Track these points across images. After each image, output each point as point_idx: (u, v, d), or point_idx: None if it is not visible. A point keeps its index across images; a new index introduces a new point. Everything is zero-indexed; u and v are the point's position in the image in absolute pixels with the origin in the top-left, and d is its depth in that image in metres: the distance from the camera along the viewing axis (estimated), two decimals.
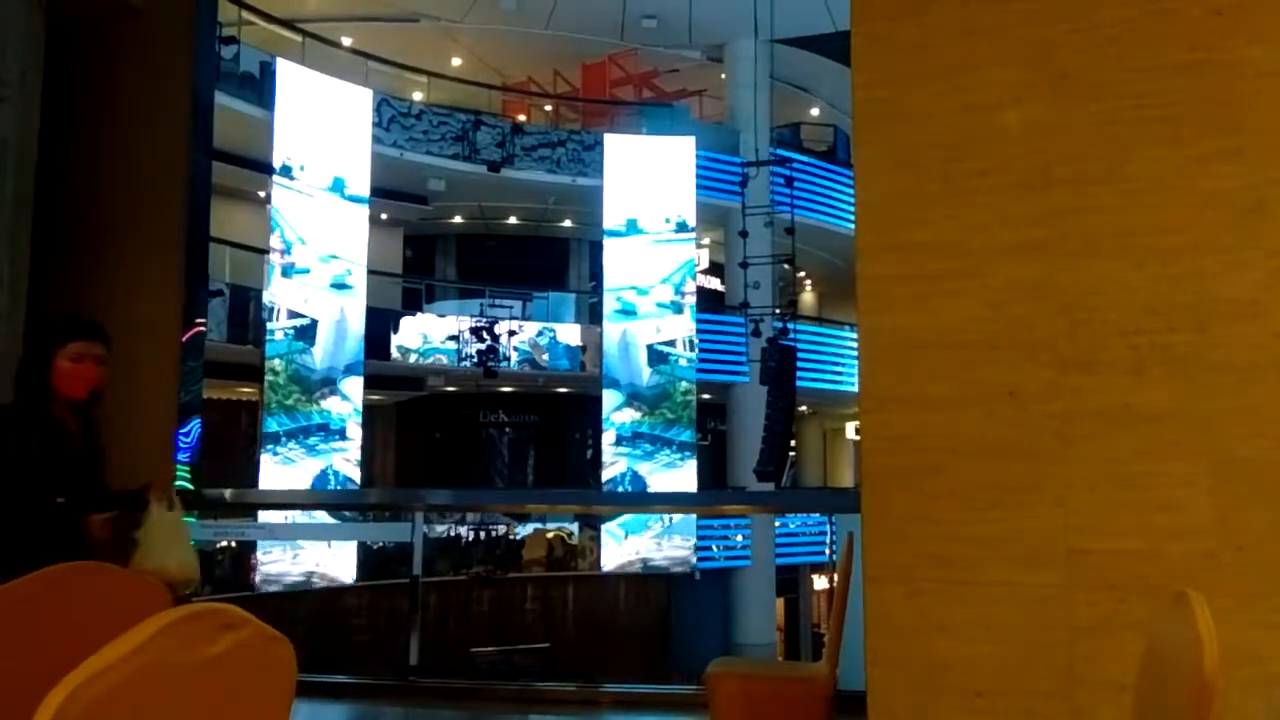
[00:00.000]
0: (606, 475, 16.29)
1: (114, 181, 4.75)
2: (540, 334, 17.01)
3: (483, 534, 15.70)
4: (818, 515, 16.21)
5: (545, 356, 16.92)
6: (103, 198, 4.74)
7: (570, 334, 17.27)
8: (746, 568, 16.66)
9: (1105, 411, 2.55)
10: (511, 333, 16.44)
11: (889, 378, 2.77)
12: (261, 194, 14.46)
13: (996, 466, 2.63)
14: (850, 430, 22.65)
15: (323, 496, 11.80)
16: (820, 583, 18.90)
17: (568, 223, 18.92)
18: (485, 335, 16.09)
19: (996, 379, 2.66)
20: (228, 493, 5.80)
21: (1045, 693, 2.49)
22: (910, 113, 2.82)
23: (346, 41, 16.36)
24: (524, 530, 16.02)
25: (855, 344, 2.88)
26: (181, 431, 5.65)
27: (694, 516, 15.54)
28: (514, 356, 16.52)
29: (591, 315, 17.64)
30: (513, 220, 18.93)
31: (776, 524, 16.41)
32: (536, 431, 19.74)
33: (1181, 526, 2.44)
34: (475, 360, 16.03)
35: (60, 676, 0.84)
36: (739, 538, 16.92)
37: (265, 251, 13.92)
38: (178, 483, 5.01)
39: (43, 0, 4.48)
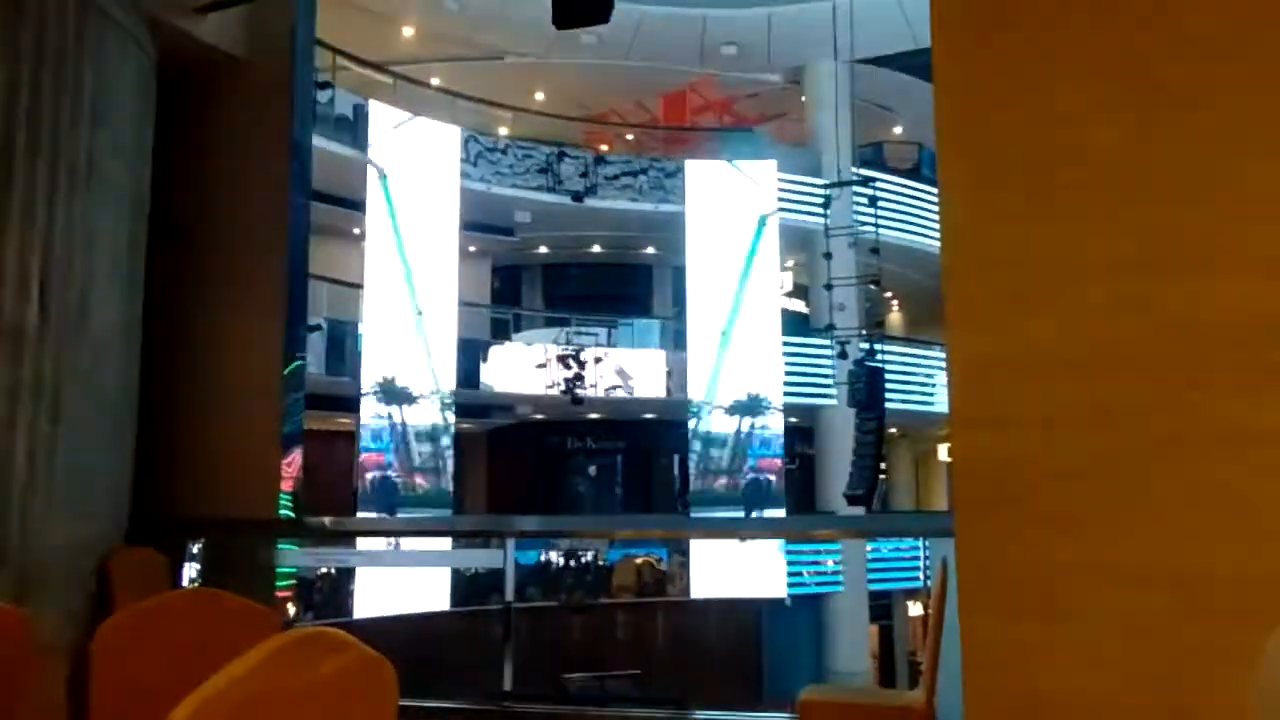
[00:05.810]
0: None
1: (218, 223, 4.98)
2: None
3: (572, 560, 15.80)
4: (911, 540, 15.87)
5: (632, 382, 17.01)
6: (208, 239, 4.97)
7: (655, 360, 17.35)
8: (838, 594, 16.38)
9: (1213, 431, 2.44)
10: (597, 359, 16.59)
11: (980, 398, 2.71)
12: (356, 231, 14.95)
13: (1097, 489, 2.54)
14: (943, 452, 22.13)
15: (417, 524, 12.04)
16: (915, 609, 18.46)
17: (650, 249, 19.05)
18: (571, 363, 16.27)
19: (1094, 398, 2.57)
20: (327, 520, 5.96)
21: None
22: (997, 128, 2.77)
23: (435, 81, 16.87)
24: (614, 556, 16.06)
25: (945, 364, 2.82)
26: (284, 461, 5.85)
27: (783, 542, 15.36)
28: (600, 383, 16.66)
29: (676, 340, 17.69)
30: (596, 249, 19.15)
31: (868, 549, 16.10)
32: (624, 457, 19.81)
33: None
34: (563, 388, 16.22)
35: (179, 696, 0.89)
36: (830, 563, 16.66)
37: (360, 286, 14.37)
38: (281, 510, 5.18)
39: (154, 55, 4.75)
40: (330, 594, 13.93)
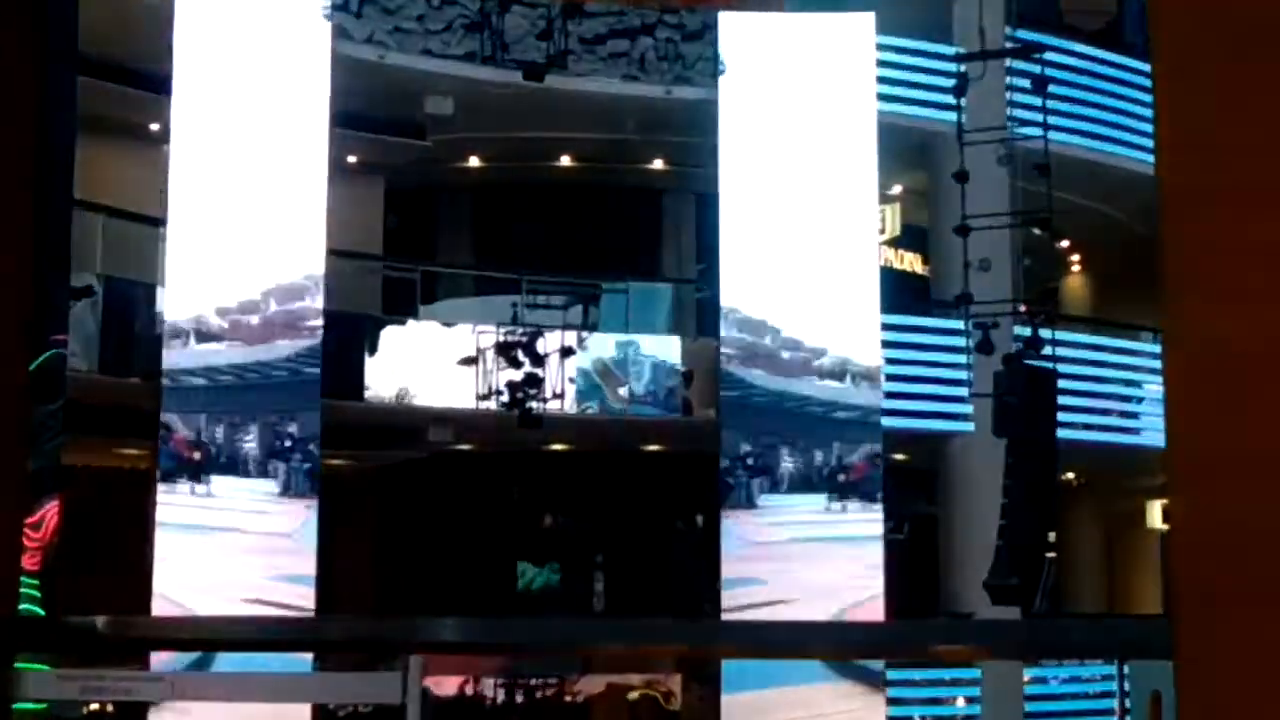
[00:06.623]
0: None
1: None
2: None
3: (520, 693, 15.81)
4: (1099, 663, 15.88)
5: (624, 391, 17.00)
6: None
7: (665, 349, 17.35)
8: None
9: None
10: (566, 350, 16.58)
11: (1223, 423, 2.70)
12: (154, 127, 14.91)
13: None
14: (1155, 515, 22.17)
15: (256, 628, 12.02)
16: None
17: (658, 163, 19.03)
18: (521, 356, 16.26)
19: None
20: (100, 621, 5.95)
21: None
22: None
23: None
24: (592, 685, 16.09)
25: (1160, 365, 2.82)
26: (28, 520, 5.84)
27: (880, 663, 15.37)
28: (569, 391, 16.64)
29: (702, 320, 17.67)
30: (566, 161, 19.14)
31: (1027, 677, 16.14)
32: (610, 516, 19.82)
33: None
34: (507, 399, 16.20)
35: None
36: (961, 701, 16.68)
37: (161, 223, 14.31)
38: (23, 605, 5.17)
39: None
40: None
